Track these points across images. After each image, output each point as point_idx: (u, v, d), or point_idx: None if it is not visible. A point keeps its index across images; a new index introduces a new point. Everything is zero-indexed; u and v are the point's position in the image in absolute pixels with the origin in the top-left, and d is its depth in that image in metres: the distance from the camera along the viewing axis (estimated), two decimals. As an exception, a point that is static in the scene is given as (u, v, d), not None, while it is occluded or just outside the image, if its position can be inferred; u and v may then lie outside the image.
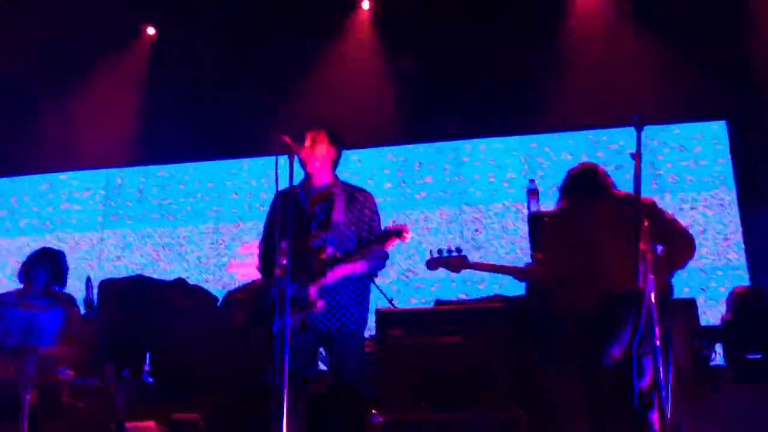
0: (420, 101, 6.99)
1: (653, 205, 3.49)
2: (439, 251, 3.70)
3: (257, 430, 3.32)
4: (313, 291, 3.29)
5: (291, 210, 3.29)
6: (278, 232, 3.21)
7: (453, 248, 3.69)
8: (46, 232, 7.56)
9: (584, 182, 3.65)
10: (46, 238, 7.50)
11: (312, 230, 3.45)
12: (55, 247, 4.68)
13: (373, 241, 3.31)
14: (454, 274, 3.78)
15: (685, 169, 6.62)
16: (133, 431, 4.15)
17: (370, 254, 3.37)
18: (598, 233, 3.39)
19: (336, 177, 3.64)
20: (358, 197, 3.56)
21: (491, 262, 3.81)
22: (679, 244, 3.40)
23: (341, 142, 3.64)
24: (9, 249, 7.40)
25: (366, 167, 7.14)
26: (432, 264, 3.71)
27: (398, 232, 3.27)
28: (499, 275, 3.80)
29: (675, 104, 6.47)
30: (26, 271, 4.35)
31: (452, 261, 3.67)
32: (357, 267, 3.41)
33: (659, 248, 3.43)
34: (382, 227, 3.48)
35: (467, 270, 3.72)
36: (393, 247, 3.34)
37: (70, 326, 4.28)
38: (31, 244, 7.38)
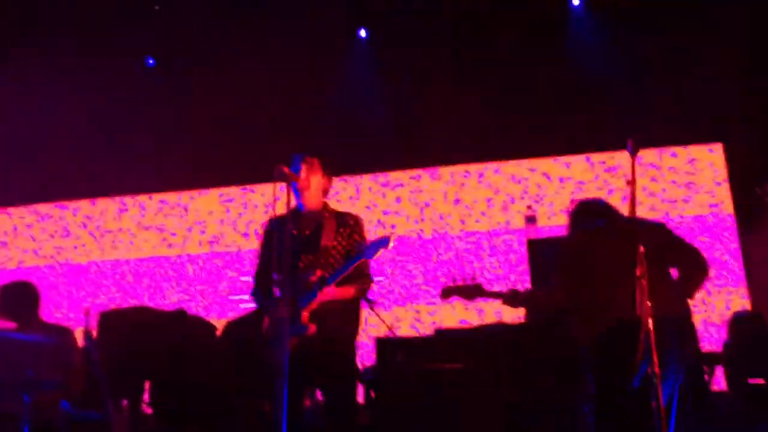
0: (417, 126, 7.03)
1: (662, 227, 3.47)
2: (454, 280, 3.65)
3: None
4: (305, 316, 3.33)
5: (284, 238, 3.33)
6: (272, 260, 3.30)
7: (468, 277, 3.65)
8: (45, 262, 7.57)
9: (593, 212, 3.63)
10: (45, 268, 7.50)
11: (301, 254, 3.49)
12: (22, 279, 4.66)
13: (356, 256, 3.38)
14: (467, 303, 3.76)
15: (682, 192, 6.64)
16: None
17: (358, 272, 3.45)
18: (609, 262, 3.36)
19: (326, 204, 3.68)
20: (348, 222, 3.60)
21: (505, 291, 3.76)
22: (690, 264, 3.37)
23: (333, 171, 3.69)
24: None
25: (365, 192, 7.16)
26: (446, 293, 3.66)
27: (383, 242, 3.34)
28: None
29: (671, 128, 6.50)
30: (8, 307, 4.31)
31: (467, 289, 3.62)
32: (346, 289, 3.45)
33: (674, 272, 3.41)
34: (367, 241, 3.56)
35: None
36: (378, 256, 3.42)
37: (68, 358, 4.26)
38: (30, 274, 7.41)
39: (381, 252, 3.36)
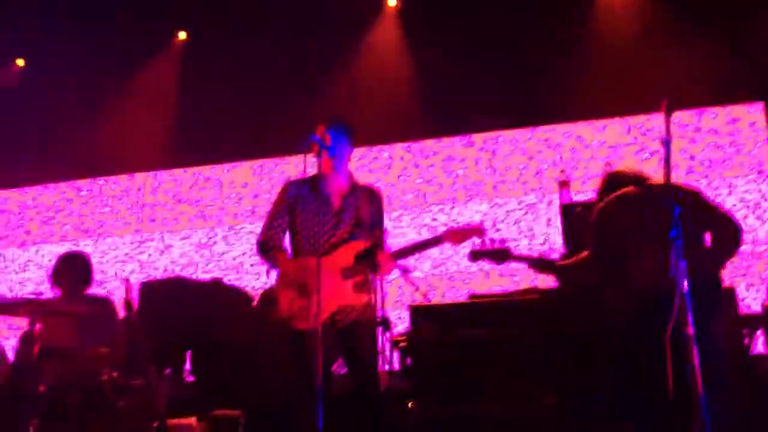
0: (449, 94, 6.96)
1: (695, 192, 3.39)
2: (483, 242, 3.59)
3: (296, 427, 3.37)
4: (350, 285, 3.37)
5: (319, 205, 3.38)
6: (303, 225, 3.39)
7: (497, 240, 3.62)
8: (86, 236, 7.74)
9: (623, 181, 3.55)
10: (86, 242, 7.68)
11: (341, 226, 3.51)
12: (78, 250, 4.86)
13: (443, 237, 3.45)
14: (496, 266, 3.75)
15: (721, 153, 6.49)
16: (174, 429, 4.23)
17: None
18: (642, 229, 3.30)
19: (350, 173, 3.68)
20: (375, 195, 3.64)
21: (535, 255, 3.73)
22: (722, 231, 3.28)
23: (358, 140, 3.70)
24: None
25: (396, 162, 7.15)
26: (475, 255, 3.63)
27: (477, 231, 3.43)
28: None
29: (710, 87, 6.34)
30: (56, 276, 4.46)
31: (496, 253, 3.59)
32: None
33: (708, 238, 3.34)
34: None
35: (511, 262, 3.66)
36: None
37: (112, 328, 4.38)
38: (73, 249, 7.58)
39: (469, 239, 3.45)
